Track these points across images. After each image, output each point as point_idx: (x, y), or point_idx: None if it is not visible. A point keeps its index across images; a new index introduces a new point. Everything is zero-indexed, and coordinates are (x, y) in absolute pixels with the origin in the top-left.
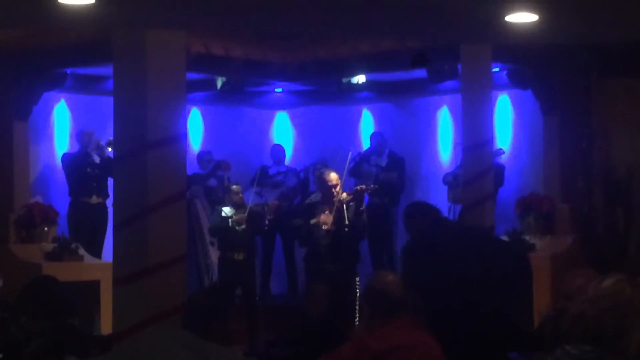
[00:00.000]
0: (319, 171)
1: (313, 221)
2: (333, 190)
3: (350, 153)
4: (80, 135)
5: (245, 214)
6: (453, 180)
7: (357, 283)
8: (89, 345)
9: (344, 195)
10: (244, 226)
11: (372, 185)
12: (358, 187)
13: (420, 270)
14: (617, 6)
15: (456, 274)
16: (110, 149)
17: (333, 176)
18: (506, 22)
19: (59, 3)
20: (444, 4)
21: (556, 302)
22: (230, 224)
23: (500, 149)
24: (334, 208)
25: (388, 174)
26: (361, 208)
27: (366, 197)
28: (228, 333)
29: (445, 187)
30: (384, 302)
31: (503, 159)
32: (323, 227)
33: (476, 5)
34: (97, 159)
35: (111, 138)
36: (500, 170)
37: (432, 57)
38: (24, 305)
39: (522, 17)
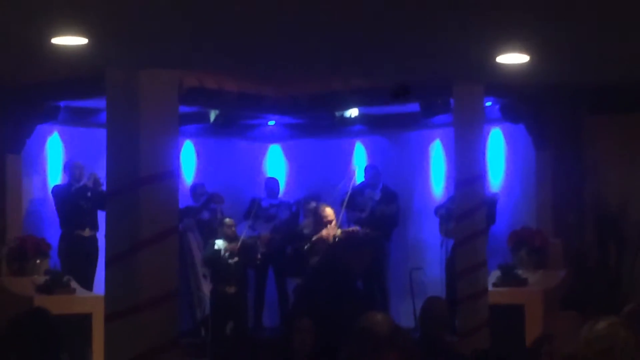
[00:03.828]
0: (310, 204)
1: (314, 238)
2: (328, 225)
3: (343, 182)
4: (69, 167)
5: (239, 244)
6: (445, 213)
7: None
8: None
9: (338, 231)
10: (236, 259)
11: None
12: (351, 230)
13: None
14: (608, 48)
15: None
16: None
17: (329, 212)
18: (497, 62)
19: (53, 43)
20: (436, 44)
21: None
22: (222, 253)
23: (497, 193)
24: (328, 244)
25: (382, 208)
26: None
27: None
28: None
29: (437, 220)
30: (370, 342)
31: (496, 193)
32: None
33: (468, 45)
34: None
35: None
36: (492, 205)
37: (416, 90)
38: (12, 339)
39: (513, 58)
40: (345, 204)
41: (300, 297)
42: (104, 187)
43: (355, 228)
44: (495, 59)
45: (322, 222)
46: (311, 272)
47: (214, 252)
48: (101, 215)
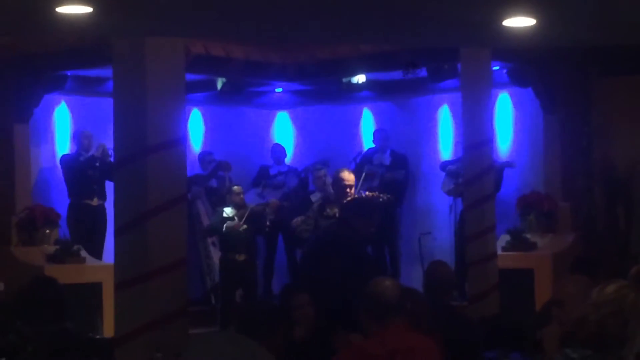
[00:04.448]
0: (319, 171)
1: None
2: (348, 190)
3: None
4: (78, 136)
5: (242, 221)
6: (454, 170)
7: None
8: (89, 349)
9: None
10: (245, 226)
11: (384, 195)
12: (370, 194)
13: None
14: (615, 9)
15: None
16: None
17: (349, 176)
18: (504, 26)
19: (57, 12)
20: (441, 9)
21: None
22: (224, 229)
23: (508, 161)
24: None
25: (393, 173)
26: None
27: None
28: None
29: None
30: (380, 307)
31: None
32: None
33: (473, 10)
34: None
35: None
36: (500, 172)
37: (424, 62)
38: (21, 308)
39: (519, 22)
40: (356, 171)
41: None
42: (112, 158)
43: (375, 193)
44: (501, 22)
45: (341, 187)
46: (317, 238)
47: (222, 220)
48: (109, 185)
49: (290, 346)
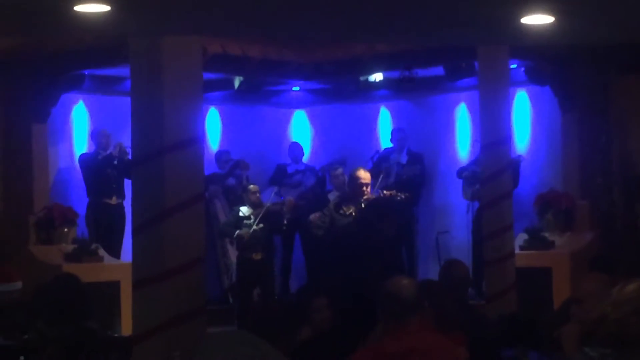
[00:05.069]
0: (336, 170)
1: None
2: (364, 189)
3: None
4: (97, 135)
5: (254, 224)
6: (469, 175)
7: None
8: (108, 348)
9: (372, 196)
10: (261, 225)
11: (402, 194)
12: (387, 192)
13: None
14: (635, 7)
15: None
16: None
17: (365, 174)
18: (522, 24)
19: (75, 11)
20: (460, 7)
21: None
22: (235, 237)
23: (520, 155)
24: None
25: (408, 170)
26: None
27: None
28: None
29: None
30: (397, 306)
31: (520, 155)
32: None
33: (491, 7)
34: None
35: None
36: (516, 168)
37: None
38: (41, 306)
39: (538, 19)
40: (373, 171)
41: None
42: (130, 157)
43: (393, 191)
44: (520, 20)
45: (357, 185)
46: (336, 239)
47: (237, 220)
48: (128, 184)
49: (298, 346)
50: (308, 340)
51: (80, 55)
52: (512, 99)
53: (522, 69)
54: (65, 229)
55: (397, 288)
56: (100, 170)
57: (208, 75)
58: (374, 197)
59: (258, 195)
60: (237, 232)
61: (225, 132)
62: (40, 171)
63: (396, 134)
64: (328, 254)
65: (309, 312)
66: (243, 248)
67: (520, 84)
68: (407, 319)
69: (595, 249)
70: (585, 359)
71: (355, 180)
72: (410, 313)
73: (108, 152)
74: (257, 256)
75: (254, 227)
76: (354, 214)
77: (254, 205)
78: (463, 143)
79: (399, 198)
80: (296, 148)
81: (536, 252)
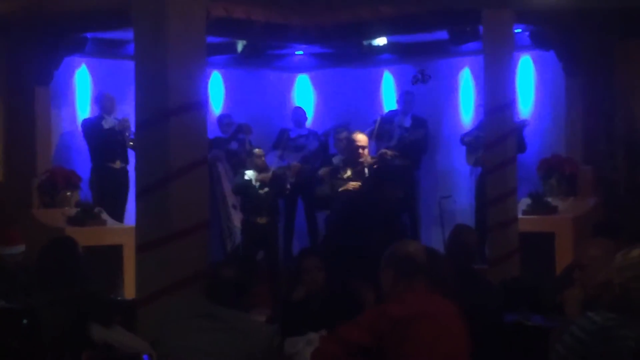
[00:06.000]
0: (340, 133)
1: (342, 189)
2: (360, 151)
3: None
4: (101, 98)
5: (269, 174)
6: (472, 140)
7: None
8: (112, 311)
9: (370, 158)
10: (267, 189)
11: (390, 152)
12: (383, 152)
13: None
14: None
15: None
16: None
17: (362, 137)
18: None
19: None
20: None
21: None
22: (253, 182)
23: (525, 119)
24: (358, 170)
25: (413, 134)
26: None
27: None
28: (250, 301)
29: (465, 149)
30: (408, 265)
31: (525, 120)
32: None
33: None
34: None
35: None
36: (520, 132)
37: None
38: (41, 270)
39: None
40: (375, 133)
41: (334, 227)
42: (132, 136)
43: (384, 151)
44: None
45: (354, 147)
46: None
47: (245, 182)
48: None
49: (288, 306)
50: (299, 300)
51: (82, 18)
52: (516, 63)
53: (527, 33)
54: (68, 193)
55: (410, 249)
56: (104, 135)
57: (211, 39)
58: (373, 159)
59: (263, 159)
60: (255, 176)
61: (228, 96)
62: (43, 134)
63: (404, 97)
64: (338, 217)
65: (301, 272)
66: (248, 211)
67: (524, 48)
68: (416, 282)
69: (598, 215)
70: (588, 323)
71: (351, 142)
72: (419, 275)
73: (112, 117)
74: (262, 220)
75: (260, 190)
76: (350, 177)
77: (259, 169)
78: (467, 108)
79: (389, 157)
80: (299, 112)
81: (539, 217)
